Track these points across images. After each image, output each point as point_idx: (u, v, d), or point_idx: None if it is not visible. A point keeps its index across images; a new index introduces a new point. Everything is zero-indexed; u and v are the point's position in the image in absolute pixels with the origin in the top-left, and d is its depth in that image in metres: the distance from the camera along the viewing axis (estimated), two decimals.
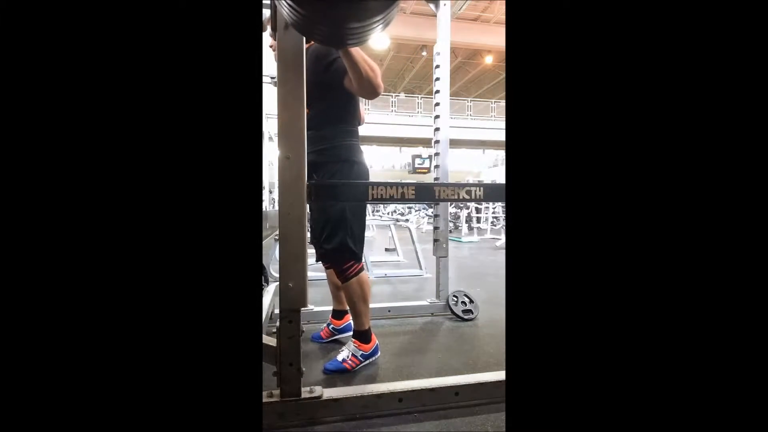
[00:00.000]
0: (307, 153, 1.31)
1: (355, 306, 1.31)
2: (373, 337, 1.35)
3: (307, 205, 0.94)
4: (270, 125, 4.75)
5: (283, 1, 0.70)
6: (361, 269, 1.31)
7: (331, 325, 1.58)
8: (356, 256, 1.29)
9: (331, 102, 1.27)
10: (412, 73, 16.59)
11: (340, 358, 1.30)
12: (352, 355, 1.31)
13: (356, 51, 1.03)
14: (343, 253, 1.27)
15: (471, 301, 1.92)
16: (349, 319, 1.52)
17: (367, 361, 1.32)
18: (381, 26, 0.75)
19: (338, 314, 1.58)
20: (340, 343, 1.49)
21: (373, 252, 4.03)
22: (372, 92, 1.12)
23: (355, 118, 1.34)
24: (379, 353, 1.37)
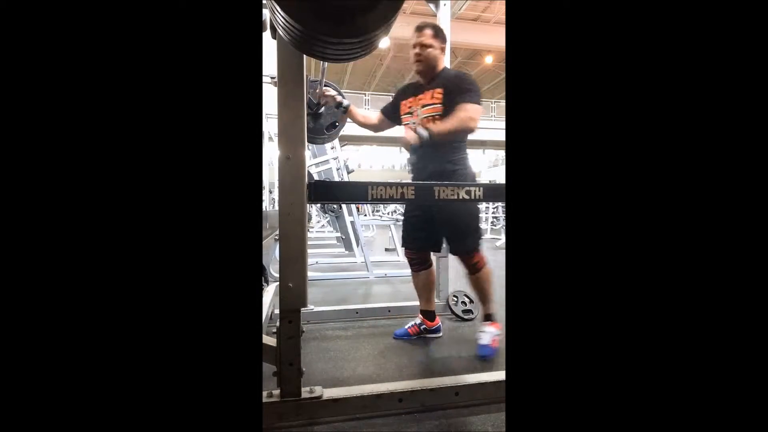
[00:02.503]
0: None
1: (484, 290, 1.49)
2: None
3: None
4: (270, 125, 4.73)
5: (279, 20, 0.67)
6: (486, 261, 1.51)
7: (423, 326, 1.63)
8: (479, 249, 1.49)
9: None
10: (412, 74, 16.56)
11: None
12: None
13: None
14: (474, 248, 1.46)
15: (471, 301, 1.92)
16: (438, 322, 1.66)
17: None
18: (384, 33, 0.73)
19: (429, 315, 1.63)
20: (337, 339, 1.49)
21: (373, 252, 4.03)
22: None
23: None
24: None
